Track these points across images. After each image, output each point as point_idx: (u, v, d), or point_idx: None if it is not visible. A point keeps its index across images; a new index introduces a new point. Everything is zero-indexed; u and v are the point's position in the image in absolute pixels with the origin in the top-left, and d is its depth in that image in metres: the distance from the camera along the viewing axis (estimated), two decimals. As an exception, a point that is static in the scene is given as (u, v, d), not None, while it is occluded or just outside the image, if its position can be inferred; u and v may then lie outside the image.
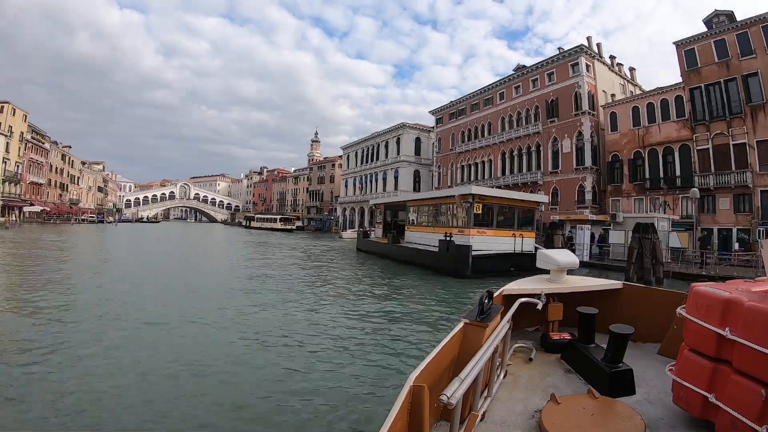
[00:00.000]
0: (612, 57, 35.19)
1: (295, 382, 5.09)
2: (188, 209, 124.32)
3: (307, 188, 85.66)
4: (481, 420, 2.12)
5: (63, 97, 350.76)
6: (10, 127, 50.89)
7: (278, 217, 71.12)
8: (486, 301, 2.44)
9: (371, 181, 59.83)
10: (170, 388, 4.77)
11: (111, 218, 63.86)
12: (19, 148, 53.11)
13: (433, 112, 51.73)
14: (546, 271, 3.76)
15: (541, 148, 34.86)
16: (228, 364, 5.59)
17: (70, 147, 69.62)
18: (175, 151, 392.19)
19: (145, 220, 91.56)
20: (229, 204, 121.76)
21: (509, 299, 3.16)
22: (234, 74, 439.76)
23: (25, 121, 54.16)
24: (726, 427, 1.79)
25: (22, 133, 53.36)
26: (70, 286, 10.82)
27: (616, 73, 35.03)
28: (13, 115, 51.62)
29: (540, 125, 34.90)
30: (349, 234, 47.10)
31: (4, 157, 49.82)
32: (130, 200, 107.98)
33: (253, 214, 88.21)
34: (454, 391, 1.52)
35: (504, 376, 2.63)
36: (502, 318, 2.58)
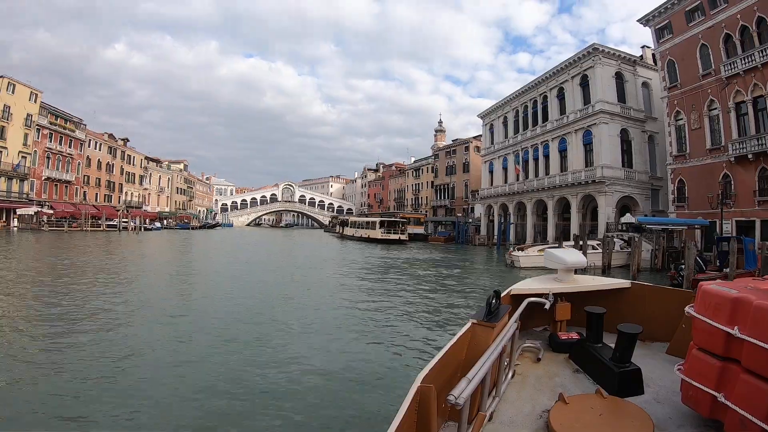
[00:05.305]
0: None
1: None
2: (298, 214, 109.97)
3: (432, 182, 60.04)
4: (489, 420, 2.10)
5: (238, 132, 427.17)
6: (8, 107, 36.98)
7: (377, 220, 44.37)
8: (493, 301, 2.44)
9: (537, 157, 35.31)
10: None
11: (131, 223, 47.30)
12: (26, 134, 39.44)
13: (648, 18, 24.23)
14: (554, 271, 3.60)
15: None
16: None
17: (128, 140, 57.26)
18: (323, 167, 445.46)
19: (211, 225, 74.43)
20: (340, 207, 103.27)
21: (517, 299, 3.11)
22: (383, 113, 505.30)
23: (35, 101, 41.10)
24: (735, 426, 1.75)
25: (30, 116, 39.64)
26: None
27: None
28: (12, 92, 37.88)
29: None
30: (532, 256, 19.63)
31: (-6, 145, 35.99)
32: (226, 204, 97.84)
33: (347, 217, 64.56)
34: (462, 392, 1.50)
35: (512, 376, 2.61)
36: (509, 318, 2.54)
